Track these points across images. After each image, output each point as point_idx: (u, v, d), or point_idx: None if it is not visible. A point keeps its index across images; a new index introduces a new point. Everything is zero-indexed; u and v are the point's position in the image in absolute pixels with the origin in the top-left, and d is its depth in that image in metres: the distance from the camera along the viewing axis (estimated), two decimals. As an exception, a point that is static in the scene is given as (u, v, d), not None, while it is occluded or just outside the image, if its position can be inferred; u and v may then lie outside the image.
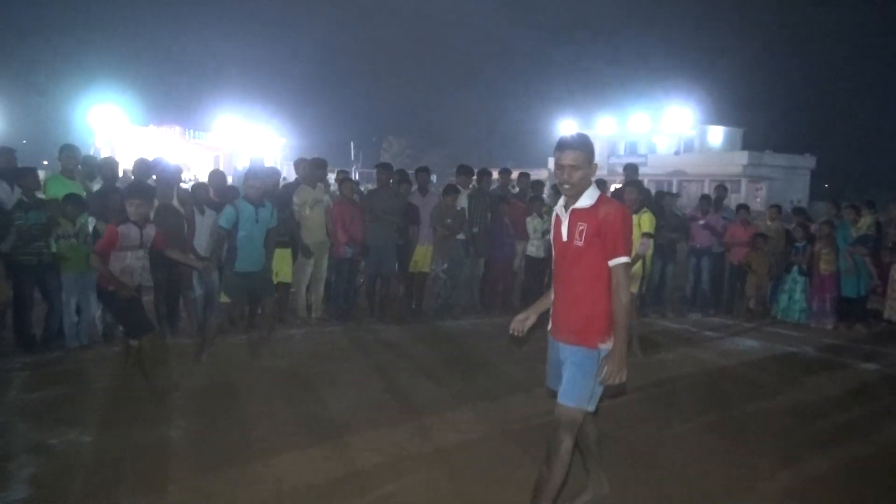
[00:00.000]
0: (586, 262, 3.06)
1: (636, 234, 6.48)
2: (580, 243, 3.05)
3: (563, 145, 3.09)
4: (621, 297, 3.00)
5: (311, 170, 7.67)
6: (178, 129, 34.69)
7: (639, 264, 6.51)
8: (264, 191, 5.92)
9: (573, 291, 3.12)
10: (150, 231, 5.21)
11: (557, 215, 3.24)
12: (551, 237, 3.35)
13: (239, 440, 4.30)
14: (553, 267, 3.31)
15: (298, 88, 71.16)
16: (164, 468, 3.86)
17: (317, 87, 77.70)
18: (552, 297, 3.30)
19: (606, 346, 3.04)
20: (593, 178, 3.17)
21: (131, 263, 5.08)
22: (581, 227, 3.05)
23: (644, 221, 6.68)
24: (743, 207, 9.70)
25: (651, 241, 6.72)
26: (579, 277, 3.09)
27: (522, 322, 3.42)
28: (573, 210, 3.11)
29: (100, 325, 6.54)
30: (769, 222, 9.76)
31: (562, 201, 3.22)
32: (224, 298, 5.97)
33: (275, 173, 7.58)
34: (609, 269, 3.02)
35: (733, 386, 5.93)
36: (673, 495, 3.79)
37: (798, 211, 10.12)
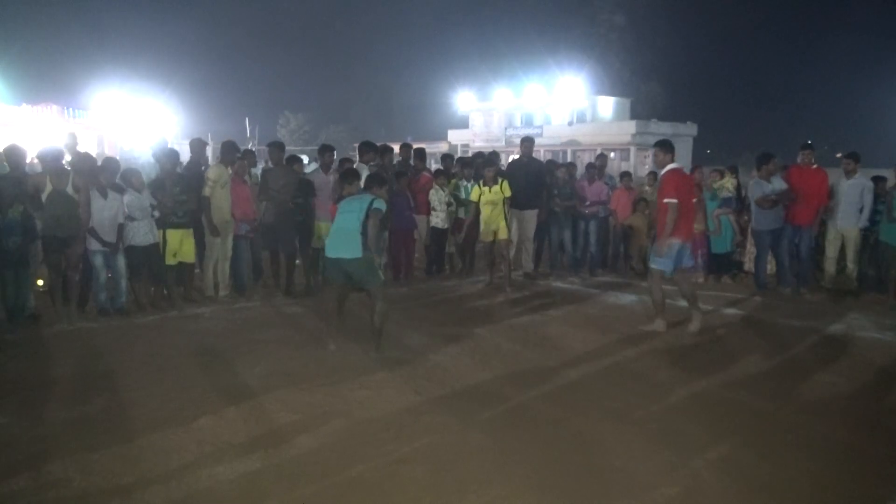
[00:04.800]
0: None
1: (497, 199, 8.43)
2: None
3: None
4: None
5: (227, 150, 7.85)
6: (55, 107, 32.45)
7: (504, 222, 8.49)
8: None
9: None
10: None
11: None
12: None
13: (158, 411, 4.52)
14: None
15: (189, 63, 67.97)
16: (87, 440, 4.04)
17: (208, 62, 74.40)
18: None
19: None
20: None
21: None
22: None
23: (506, 188, 8.49)
24: (626, 175, 10.55)
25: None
26: None
27: None
28: None
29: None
30: (647, 188, 10.61)
31: None
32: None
33: (174, 154, 7.62)
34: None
35: (615, 336, 6.60)
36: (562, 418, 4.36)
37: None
